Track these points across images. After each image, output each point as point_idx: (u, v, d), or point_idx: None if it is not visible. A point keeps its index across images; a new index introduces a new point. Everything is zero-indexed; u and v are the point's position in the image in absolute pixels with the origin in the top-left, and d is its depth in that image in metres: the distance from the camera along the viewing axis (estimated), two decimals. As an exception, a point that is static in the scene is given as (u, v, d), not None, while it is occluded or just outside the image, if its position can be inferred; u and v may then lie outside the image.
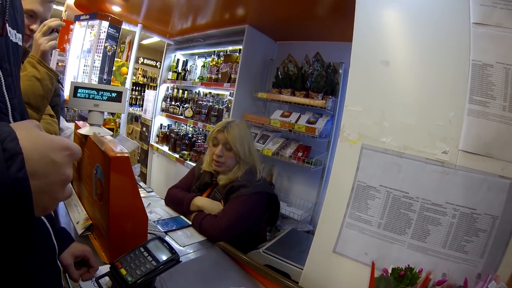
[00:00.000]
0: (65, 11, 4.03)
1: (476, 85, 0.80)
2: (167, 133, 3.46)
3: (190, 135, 3.20)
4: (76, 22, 3.20)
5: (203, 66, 3.19)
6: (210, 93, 3.11)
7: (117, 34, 2.94)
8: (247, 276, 1.10)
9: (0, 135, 0.34)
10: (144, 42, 6.30)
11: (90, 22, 2.97)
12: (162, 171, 3.43)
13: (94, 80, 2.85)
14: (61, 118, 2.07)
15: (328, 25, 2.17)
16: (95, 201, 1.05)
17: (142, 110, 4.25)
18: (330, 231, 1.01)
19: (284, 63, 2.40)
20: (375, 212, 0.93)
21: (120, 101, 1.18)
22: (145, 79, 7.94)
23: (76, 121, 1.35)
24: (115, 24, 2.92)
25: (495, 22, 0.78)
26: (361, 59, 0.99)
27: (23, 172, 0.34)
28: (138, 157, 3.90)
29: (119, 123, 3.61)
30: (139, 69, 7.94)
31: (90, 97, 1.13)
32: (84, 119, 1.23)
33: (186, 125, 3.36)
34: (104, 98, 1.15)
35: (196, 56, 3.48)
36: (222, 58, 2.88)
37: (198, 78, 3.21)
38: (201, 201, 1.50)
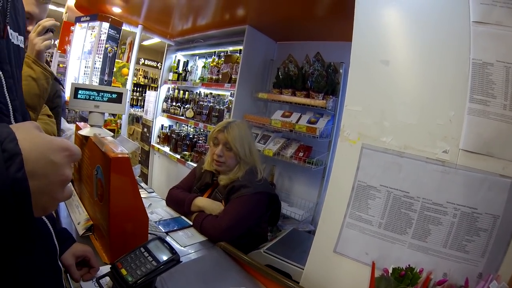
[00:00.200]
0: (65, 13, 4.05)
1: (477, 84, 0.80)
2: (168, 133, 3.46)
3: (191, 136, 3.20)
4: (77, 23, 3.21)
5: (204, 66, 3.20)
6: (211, 93, 3.12)
7: (118, 35, 2.95)
8: (248, 276, 1.10)
9: (0, 136, 0.34)
10: (145, 43, 6.33)
11: (91, 24, 2.98)
12: (164, 172, 3.43)
13: (95, 81, 2.86)
14: (62, 119, 2.08)
15: (328, 25, 2.17)
16: (96, 201, 1.05)
17: (143, 111, 4.26)
18: (331, 231, 1.01)
19: (284, 63, 2.40)
20: (376, 212, 0.93)
21: (120, 102, 1.18)
22: (146, 80, 7.96)
23: (77, 122, 1.35)
24: (115, 25, 2.93)
25: (495, 21, 0.78)
26: (361, 59, 0.99)
27: (22, 172, 0.34)
28: (139, 158, 3.91)
29: (121, 124, 3.62)
30: (140, 70, 7.97)
31: (91, 98, 1.13)
32: (85, 120, 1.23)
33: (187, 125, 3.36)
34: (105, 99, 1.15)
35: (197, 57, 3.49)
36: (222, 59, 2.88)
37: (198, 79, 3.22)
38: (202, 202, 1.51)
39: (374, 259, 0.92)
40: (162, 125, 3.62)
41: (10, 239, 0.37)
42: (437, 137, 0.85)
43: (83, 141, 1.18)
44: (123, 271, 0.76)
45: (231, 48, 2.93)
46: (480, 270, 0.81)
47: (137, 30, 3.21)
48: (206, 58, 3.26)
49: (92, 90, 1.13)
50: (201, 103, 2.98)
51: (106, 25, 2.87)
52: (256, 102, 2.69)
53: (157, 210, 1.55)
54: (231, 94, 2.83)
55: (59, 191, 0.39)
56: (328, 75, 2.18)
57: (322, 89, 2.15)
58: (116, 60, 3.05)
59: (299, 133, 2.20)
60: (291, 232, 1.74)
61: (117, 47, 2.96)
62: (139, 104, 7.19)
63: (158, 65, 8.21)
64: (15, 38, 0.54)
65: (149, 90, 6.08)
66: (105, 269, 0.90)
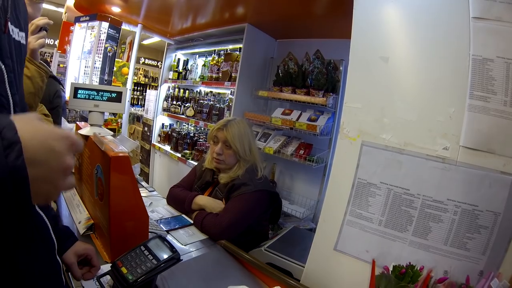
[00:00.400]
0: (65, 13, 4.05)
1: (477, 80, 0.79)
2: (169, 132, 3.46)
3: (191, 134, 3.20)
4: (76, 23, 3.22)
5: (204, 65, 3.19)
6: (211, 92, 3.11)
7: (117, 35, 2.95)
8: (248, 274, 1.10)
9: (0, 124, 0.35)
10: (145, 42, 6.33)
11: (90, 23, 2.99)
12: (164, 171, 3.44)
13: (95, 81, 2.86)
14: (63, 119, 2.09)
15: (328, 23, 2.16)
16: (96, 200, 1.05)
17: (143, 110, 4.26)
18: (331, 228, 1.01)
19: (284, 61, 2.40)
20: (376, 209, 0.93)
21: (120, 101, 1.19)
22: (147, 79, 7.97)
23: (77, 122, 1.36)
24: (115, 25, 2.93)
25: (495, 16, 0.77)
26: (360, 56, 0.99)
27: (21, 160, 0.34)
28: (140, 157, 3.91)
29: (121, 123, 3.63)
30: (141, 69, 7.98)
31: (90, 98, 1.13)
32: (86, 119, 1.24)
33: (188, 124, 3.36)
34: (104, 98, 1.16)
35: (197, 55, 3.49)
36: (222, 57, 2.88)
37: (199, 77, 3.22)
38: (203, 200, 1.51)
39: (374, 256, 0.92)
40: (163, 124, 3.62)
41: (9, 227, 0.38)
42: (437, 134, 0.85)
43: (83, 140, 1.18)
44: (124, 270, 0.76)
45: (231, 47, 2.93)
46: (481, 267, 0.80)
47: (137, 29, 3.21)
48: (206, 57, 3.25)
49: (92, 90, 1.14)
50: (201, 101, 2.98)
51: (105, 24, 2.87)
52: (256, 100, 2.68)
53: (158, 208, 1.55)
54: (231, 92, 2.83)
55: (60, 179, 0.39)
56: (328, 72, 2.17)
57: (322, 86, 2.15)
58: (116, 59, 3.05)
59: (300, 131, 2.20)
60: (292, 230, 1.73)
61: (116, 46, 2.97)
62: (139, 103, 7.20)
63: (159, 64, 8.22)
64: (16, 34, 0.54)
65: (149, 89, 6.08)
66: (105, 267, 0.91)
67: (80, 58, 3.06)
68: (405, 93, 0.91)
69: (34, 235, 0.51)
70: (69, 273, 0.88)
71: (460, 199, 0.82)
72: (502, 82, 0.77)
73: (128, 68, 3.58)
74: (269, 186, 1.57)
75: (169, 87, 3.58)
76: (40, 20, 1.18)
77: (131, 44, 3.90)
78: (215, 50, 3.03)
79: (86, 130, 1.13)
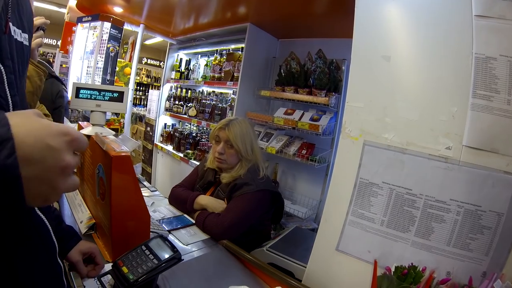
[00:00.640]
0: (67, 13, 4.08)
1: (480, 79, 0.79)
2: (171, 132, 3.47)
3: (194, 134, 3.21)
4: (79, 23, 3.23)
5: (206, 65, 3.19)
6: (213, 91, 3.12)
7: (120, 35, 2.96)
8: (250, 274, 1.10)
9: None
10: (147, 42, 6.35)
11: (92, 24, 3.00)
12: (167, 171, 3.44)
13: (97, 81, 2.87)
14: (65, 119, 2.10)
15: (330, 22, 2.15)
16: (98, 200, 1.06)
17: (146, 110, 4.27)
18: (333, 229, 1.00)
19: (286, 60, 2.39)
20: (378, 210, 0.92)
21: (121, 101, 1.19)
22: (149, 79, 7.99)
23: (80, 122, 1.36)
24: (117, 25, 2.94)
25: (498, 14, 0.76)
26: (362, 55, 0.98)
27: (13, 158, 0.32)
28: (142, 156, 3.92)
29: (124, 123, 3.64)
30: (143, 69, 8.00)
31: (92, 98, 1.14)
32: (88, 119, 1.24)
33: (190, 124, 3.37)
34: (106, 98, 1.16)
35: (199, 55, 3.49)
36: (224, 57, 2.88)
37: (201, 77, 3.22)
38: (205, 200, 1.51)
39: (376, 257, 0.92)
40: (165, 124, 3.63)
41: (2, 228, 0.36)
42: (440, 134, 0.84)
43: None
44: (125, 269, 0.76)
45: (233, 46, 2.93)
46: (484, 268, 0.80)
47: (139, 30, 3.22)
48: (208, 57, 3.26)
49: (94, 90, 1.14)
50: (203, 101, 2.98)
51: (107, 25, 2.88)
52: (258, 100, 2.68)
53: (160, 208, 1.55)
54: (233, 92, 2.83)
55: (59, 179, 0.37)
56: (331, 72, 2.17)
57: (325, 86, 2.14)
58: (118, 59, 3.06)
59: (302, 131, 2.20)
60: (294, 230, 1.73)
61: (119, 46, 2.98)
62: (142, 103, 7.22)
63: (161, 64, 8.24)
64: (19, 35, 0.54)
65: (152, 89, 6.10)
66: (107, 267, 0.92)
67: (82, 58, 3.07)
68: (407, 92, 0.90)
69: (33, 237, 0.50)
70: (71, 272, 0.89)
71: (463, 199, 0.81)
72: (505, 81, 0.76)
73: (131, 68, 3.59)
74: (271, 185, 1.57)
75: (171, 87, 3.59)
76: (37, 20, 1.19)
77: (134, 44, 3.91)
78: (217, 50, 3.04)
79: (88, 129, 1.13)
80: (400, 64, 0.92)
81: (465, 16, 0.80)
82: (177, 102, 3.34)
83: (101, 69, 2.87)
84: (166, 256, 0.79)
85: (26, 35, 0.57)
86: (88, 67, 2.98)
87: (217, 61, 2.94)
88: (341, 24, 2.03)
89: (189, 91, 3.29)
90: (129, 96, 3.29)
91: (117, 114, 3.76)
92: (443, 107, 0.84)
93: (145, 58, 8.39)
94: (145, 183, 1.97)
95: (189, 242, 1.26)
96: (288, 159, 2.32)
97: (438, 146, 0.84)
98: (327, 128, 2.13)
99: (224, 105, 2.80)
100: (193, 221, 1.44)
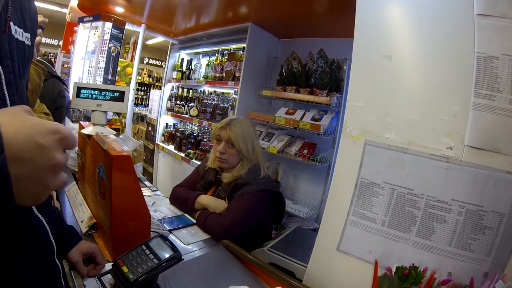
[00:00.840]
0: (69, 13, 4.09)
1: (481, 78, 0.78)
2: (173, 132, 3.47)
3: (195, 134, 3.21)
4: (80, 24, 3.24)
5: (208, 64, 3.20)
6: (215, 91, 3.11)
7: (121, 35, 2.97)
8: (251, 274, 1.09)
9: None
10: (149, 42, 6.36)
11: (94, 24, 3.01)
12: (168, 170, 3.45)
13: (99, 80, 2.88)
14: (67, 119, 2.10)
15: (331, 21, 2.15)
16: (99, 200, 1.06)
17: (147, 110, 4.28)
18: (334, 229, 1.00)
19: (288, 60, 2.39)
20: (379, 210, 0.92)
21: (122, 101, 1.19)
22: (151, 79, 8.00)
23: (81, 122, 1.36)
24: (118, 25, 2.94)
25: (500, 13, 0.75)
26: (363, 54, 0.98)
27: (1, 157, 0.32)
28: (144, 156, 3.93)
29: (125, 123, 3.65)
30: (145, 69, 8.01)
31: (93, 97, 1.14)
32: (89, 119, 1.24)
33: (192, 124, 3.37)
34: (107, 98, 1.16)
35: (200, 55, 3.49)
36: (226, 57, 2.88)
37: (202, 77, 3.22)
38: (206, 200, 1.51)
39: (377, 257, 0.91)
40: (167, 124, 3.63)
41: None
42: (442, 133, 0.83)
43: (86, 140, 1.18)
44: (125, 269, 0.76)
45: (234, 46, 2.92)
46: (485, 269, 0.79)
47: (140, 30, 3.22)
48: (209, 56, 3.26)
49: (94, 89, 1.14)
50: (205, 101, 2.98)
51: (109, 25, 2.89)
52: (260, 100, 2.68)
53: (161, 208, 1.55)
54: (235, 92, 2.83)
55: (49, 178, 0.36)
56: (332, 71, 2.16)
57: (326, 86, 2.14)
58: (120, 59, 3.07)
59: (303, 130, 2.19)
60: (295, 230, 1.72)
61: (120, 46, 2.98)
62: (143, 103, 7.23)
63: (162, 64, 8.25)
64: (20, 34, 0.53)
65: (153, 89, 6.10)
66: (107, 266, 0.92)
67: (84, 58, 3.08)
68: (408, 92, 0.89)
69: (29, 237, 0.49)
70: (72, 272, 0.89)
71: (465, 199, 0.81)
72: (508, 80, 0.75)
73: (132, 68, 3.60)
74: (272, 185, 1.57)
75: (173, 86, 3.59)
76: None
77: (135, 44, 3.92)
78: (218, 50, 3.03)
79: (89, 129, 1.14)
80: (402, 63, 0.91)
81: (466, 15, 0.80)
82: (178, 102, 3.34)
83: (103, 69, 2.88)
84: (166, 255, 0.79)
85: (28, 35, 0.56)
86: (89, 67, 2.99)
87: (218, 61, 2.94)
88: (343, 23, 2.03)
89: (191, 91, 3.29)
90: (130, 95, 3.29)
91: (118, 114, 3.77)
92: (444, 106, 0.83)
93: (146, 58, 8.41)
94: (146, 182, 1.97)
95: (190, 241, 1.26)
96: (290, 159, 2.32)
97: (440, 146, 0.84)
98: (328, 128, 2.12)
99: (225, 105, 2.80)
100: (194, 221, 1.44)
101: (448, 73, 0.83)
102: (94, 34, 2.99)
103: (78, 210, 1.28)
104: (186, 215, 1.52)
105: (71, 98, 2.39)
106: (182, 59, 3.55)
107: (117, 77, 3.14)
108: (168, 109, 3.56)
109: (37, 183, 0.35)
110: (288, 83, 2.35)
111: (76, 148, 1.39)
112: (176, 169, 3.25)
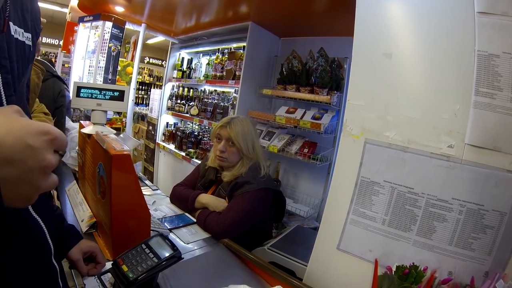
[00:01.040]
0: (69, 13, 4.09)
1: (482, 76, 0.77)
2: (173, 131, 3.47)
3: (196, 133, 3.20)
4: (80, 23, 3.25)
5: (208, 64, 3.19)
6: (215, 90, 3.11)
7: (121, 34, 2.97)
8: (251, 273, 1.09)
9: None
10: (149, 41, 6.36)
11: (94, 23, 3.01)
12: (169, 169, 3.45)
13: (99, 80, 2.88)
14: (67, 118, 2.10)
15: (332, 20, 2.14)
16: (99, 199, 1.06)
17: (148, 109, 4.28)
18: (334, 228, 1.00)
19: (288, 59, 2.38)
20: (379, 209, 0.92)
21: (122, 100, 1.19)
22: (151, 78, 8.00)
23: (81, 121, 1.36)
24: (118, 24, 2.94)
25: (501, 11, 0.75)
26: (363, 52, 0.97)
27: None
28: (144, 155, 3.94)
29: (126, 122, 3.65)
30: (145, 69, 8.01)
31: (93, 97, 1.14)
32: (90, 119, 1.25)
33: (192, 123, 3.37)
34: (107, 97, 1.16)
35: (201, 54, 3.48)
36: (226, 56, 2.88)
37: (203, 76, 3.22)
38: (206, 199, 1.50)
39: (377, 256, 0.91)
40: (167, 123, 3.63)
41: None
42: (442, 132, 0.83)
43: (86, 139, 1.18)
44: (124, 268, 0.76)
45: (234, 45, 2.92)
46: (486, 268, 0.79)
47: (141, 29, 3.22)
48: (210, 55, 3.25)
49: (94, 89, 1.14)
50: (205, 100, 2.98)
51: (109, 24, 2.89)
52: (260, 99, 2.68)
53: (161, 207, 1.56)
54: (235, 91, 2.83)
55: (40, 179, 0.36)
56: (333, 70, 2.16)
57: (326, 84, 2.13)
58: (120, 59, 3.07)
59: (304, 129, 2.19)
60: (295, 229, 1.72)
61: (120, 46, 2.98)
62: (144, 103, 7.23)
63: (163, 63, 8.25)
64: (20, 34, 0.53)
65: (154, 88, 6.11)
66: (107, 265, 0.92)
67: (84, 58, 3.09)
68: (408, 90, 0.89)
69: (24, 238, 0.49)
70: (72, 271, 0.89)
71: (465, 198, 0.80)
72: (509, 78, 0.75)
73: (132, 67, 3.60)
74: (273, 184, 1.56)
75: (173, 86, 3.59)
76: None
77: (135, 43, 3.92)
78: (219, 49, 3.03)
79: (88, 128, 1.14)
80: (402, 61, 0.91)
81: (467, 13, 0.79)
82: (179, 101, 3.34)
83: (103, 69, 2.89)
84: (166, 254, 0.79)
85: (29, 35, 0.56)
86: (90, 67, 2.99)
87: (219, 60, 2.94)
88: (343, 22, 2.02)
89: (191, 90, 3.29)
90: (131, 95, 3.29)
91: (119, 113, 3.77)
92: (445, 105, 0.83)
93: (147, 57, 8.41)
94: (147, 181, 1.97)
95: (190, 240, 1.26)
96: (290, 157, 2.32)
97: (440, 145, 0.83)
98: (329, 127, 2.12)
99: (226, 104, 2.80)
100: (194, 220, 1.44)
101: (449, 72, 0.83)
102: (95, 33, 2.99)
103: (79, 209, 1.28)
104: (187, 214, 1.52)
105: (71, 97, 2.40)
106: (183, 58, 3.55)
107: (117, 77, 3.14)
108: (168, 108, 3.56)
109: (27, 185, 0.35)
110: (289, 82, 2.35)
111: (77, 148, 1.39)
112: (177, 168, 3.25)
